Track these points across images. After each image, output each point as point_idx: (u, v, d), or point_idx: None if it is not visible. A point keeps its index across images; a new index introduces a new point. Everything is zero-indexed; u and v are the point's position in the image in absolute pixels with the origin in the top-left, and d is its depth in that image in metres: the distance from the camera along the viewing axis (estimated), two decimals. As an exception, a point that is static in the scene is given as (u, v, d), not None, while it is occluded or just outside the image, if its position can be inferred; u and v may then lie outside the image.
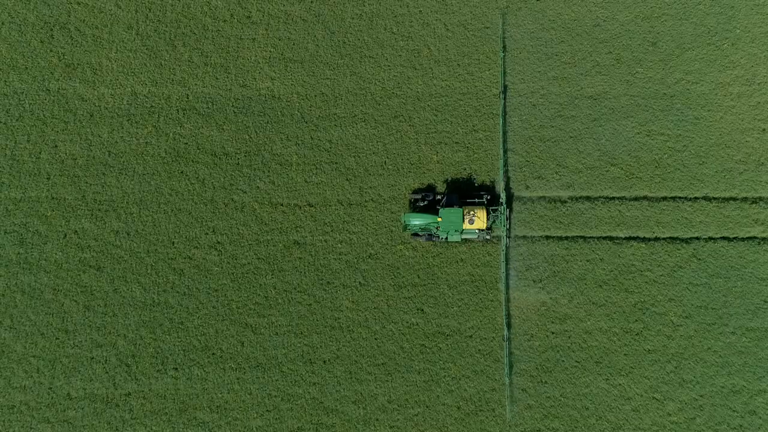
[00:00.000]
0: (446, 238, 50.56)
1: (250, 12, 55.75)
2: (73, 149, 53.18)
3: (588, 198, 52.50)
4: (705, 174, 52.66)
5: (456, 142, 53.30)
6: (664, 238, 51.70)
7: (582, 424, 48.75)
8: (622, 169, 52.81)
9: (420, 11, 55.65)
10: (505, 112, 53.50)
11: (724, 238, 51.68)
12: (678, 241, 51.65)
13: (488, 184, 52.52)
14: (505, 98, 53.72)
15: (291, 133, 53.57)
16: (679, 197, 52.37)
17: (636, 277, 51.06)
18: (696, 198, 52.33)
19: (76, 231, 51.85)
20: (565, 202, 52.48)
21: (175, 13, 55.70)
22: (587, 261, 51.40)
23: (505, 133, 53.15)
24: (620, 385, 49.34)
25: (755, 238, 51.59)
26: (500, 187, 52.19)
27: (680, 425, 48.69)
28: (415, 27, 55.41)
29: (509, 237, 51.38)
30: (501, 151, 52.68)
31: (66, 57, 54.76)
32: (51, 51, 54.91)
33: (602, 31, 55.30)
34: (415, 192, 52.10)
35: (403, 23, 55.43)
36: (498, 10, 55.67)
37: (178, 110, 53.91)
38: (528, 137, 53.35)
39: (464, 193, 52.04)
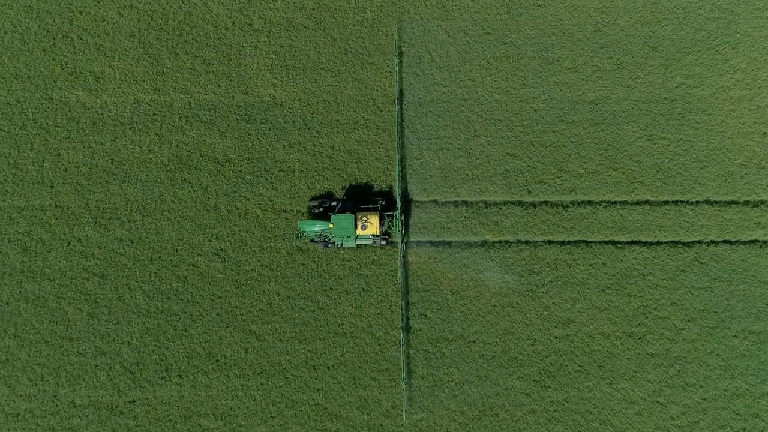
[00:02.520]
0: (342, 244, 50.96)
1: (252, 20, 55.93)
2: (76, 157, 53.32)
3: (590, 202, 52.62)
4: (706, 178, 52.80)
5: (458, 148, 53.43)
6: (666, 242, 51.83)
7: (586, 428, 48.83)
8: (623, 173, 52.96)
9: (421, 18, 55.82)
10: (402, 119, 53.60)
11: (725, 241, 51.81)
12: (680, 245, 51.79)
13: (386, 190, 52.89)
14: (401, 104, 53.83)
15: (293, 140, 53.71)
16: (681, 201, 52.51)
17: (638, 281, 51.19)
18: (698, 202, 52.47)
19: (79, 239, 51.96)
20: (567, 206, 52.60)
21: (176, 21, 55.87)
22: (589, 265, 51.51)
23: (402, 138, 53.28)
24: (623, 389, 49.44)
25: (757, 241, 51.72)
26: (396, 193, 52.38)
27: (684, 429, 48.79)
28: (417, 33, 55.56)
29: (405, 242, 51.60)
30: (398, 158, 52.89)
31: (69, 65, 54.92)
32: (54, 59, 55.08)
33: (603, 36, 55.48)
34: (313, 199, 52.32)
35: (404, 30, 55.58)
36: (499, 16, 55.85)
37: (180, 118, 54.05)
38: (530, 142, 53.49)
39: (362, 199, 52.30)
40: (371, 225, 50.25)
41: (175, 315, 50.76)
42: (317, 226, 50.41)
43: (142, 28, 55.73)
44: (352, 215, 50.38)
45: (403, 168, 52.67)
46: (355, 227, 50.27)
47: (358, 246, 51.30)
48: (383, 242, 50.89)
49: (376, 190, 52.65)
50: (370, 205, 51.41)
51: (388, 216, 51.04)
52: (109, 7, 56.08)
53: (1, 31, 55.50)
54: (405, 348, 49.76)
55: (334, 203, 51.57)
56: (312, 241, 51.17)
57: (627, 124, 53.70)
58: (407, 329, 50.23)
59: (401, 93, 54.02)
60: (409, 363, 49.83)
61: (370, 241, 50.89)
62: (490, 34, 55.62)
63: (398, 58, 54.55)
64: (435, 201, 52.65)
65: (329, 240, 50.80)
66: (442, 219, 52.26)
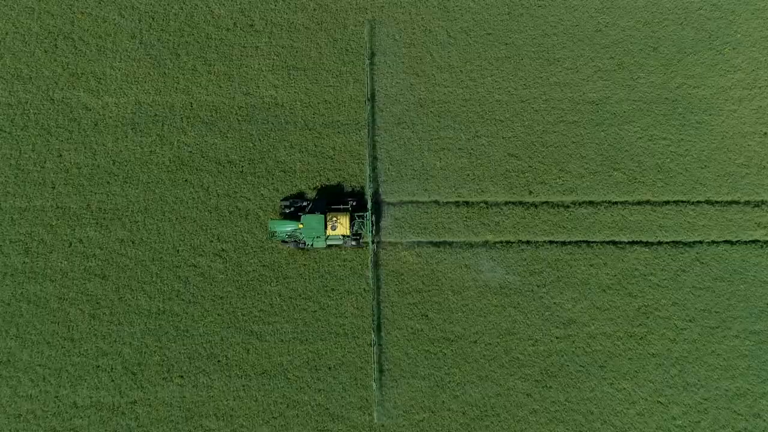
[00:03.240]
0: (312, 244, 50.97)
1: (253, 21, 55.99)
2: (78, 158, 53.37)
3: (591, 203, 52.67)
4: (707, 178, 52.86)
5: (459, 148, 53.48)
6: (667, 242, 51.88)
7: (587, 429, 48.86)
8: (624, 173, 53.01)
9: (422, 18, 55.88)
10: (373, 120, 53.61)
11: (726, 241, 51.86)
12: (681, 245, 51.83)
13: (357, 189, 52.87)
14: (373, 106, 53.83)
15: (294, 141, 53.76)
16: (682, 201, 52.56)
17: (639, 282, 51.23)
18: (698, 202, 52.52)
19: (81, 240, 52.01)
20: (568, 207, 52.64)
21: (178, 22, 55.93)
22: (591, 266, 51.55)
23: (373, 139, 53.31)
24: (625, 389, 49.47)
25: (758, 241, 51.77)
26: (368, 194, 52.36)
27: (685, 429, 48.82)
28: (417, 34, 55.63)
29: (376, 242, 51.64)
30: (368, 158, 52.93)
31: (70, 66, 54.97)
32: (55, 61, 55.13)
33: (604, 37, 55.54)
34: (284, 198, 52.34)
35: (406, 30, 55.64)
36: (501, 16, 55.92)
37: (182, 119, 54.11)
38: (531, 142, 53.55)
39: (333, 199, 52.31)
40: (341, 225, 50.38)
41: (177, 316, 50.80)
42: (288, 226, 50.51)
43: (143, 29, 55.80)
44: (322, 215, 50.52)
45: (374, 169, 52.69)
46: (326, 227, 50.32)
47: (329, 246, 51.25)
48: (353, 243, 50.93)
49: (347, 190, 52.64)
50: (341, 206, 51.46)
51: (359, 217, 51.06)
52: (110, 8, 56.15)
53: (3, 32, 55.57)
54: (376, 348, 49.81)
55: (305, 203, 51.61)
56: (283, 241, 51.25)
57: (628, 124, 53.76)
58: (378, 329, 50.27)
59: (372, 95, 53.96)
60: (382, 363, 49.89)
61: (341, 242, 50.91)
62: (491, 35, 55.68)
63: (368, 59, 54.54)
64: (436, 201, 52.72)
65: (299, 240, 50.79)
66: (443, 219, 52.33)
